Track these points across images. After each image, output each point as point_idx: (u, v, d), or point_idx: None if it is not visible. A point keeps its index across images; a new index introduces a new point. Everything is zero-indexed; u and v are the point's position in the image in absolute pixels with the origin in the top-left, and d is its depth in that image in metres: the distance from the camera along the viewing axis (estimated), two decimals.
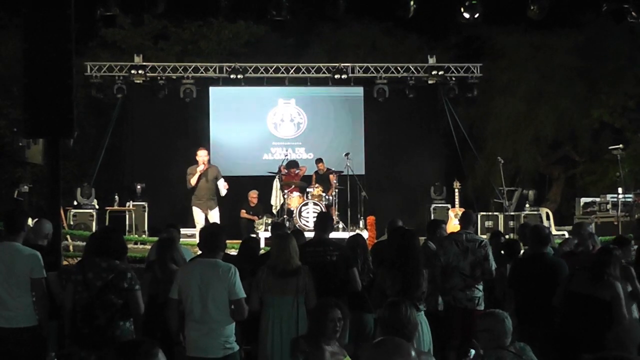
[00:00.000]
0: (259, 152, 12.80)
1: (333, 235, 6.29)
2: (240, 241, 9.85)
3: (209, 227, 4.94)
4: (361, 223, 10.70)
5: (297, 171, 11.01)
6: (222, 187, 9.39)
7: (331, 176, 10.86)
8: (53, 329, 4.45)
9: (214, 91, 12.79)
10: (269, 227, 9.70)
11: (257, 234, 10.27)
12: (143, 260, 7.04)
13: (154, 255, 5.21)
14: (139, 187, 11.52)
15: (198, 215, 9.40)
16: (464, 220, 5.63)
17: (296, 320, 4.21)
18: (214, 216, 9.39)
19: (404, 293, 4.06)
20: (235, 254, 5.48)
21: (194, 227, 9.62)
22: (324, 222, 5.21)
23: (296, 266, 4.34)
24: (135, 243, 10.04)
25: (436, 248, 5.54)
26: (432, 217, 10.99)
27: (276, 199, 10.87)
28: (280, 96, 12.98)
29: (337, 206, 10.54)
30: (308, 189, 10.48)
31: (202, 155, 9.37)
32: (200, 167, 9.28)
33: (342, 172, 10.73)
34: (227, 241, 4.55)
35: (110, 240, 3.97)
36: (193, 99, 12.47)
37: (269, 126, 12.90)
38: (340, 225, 10.34)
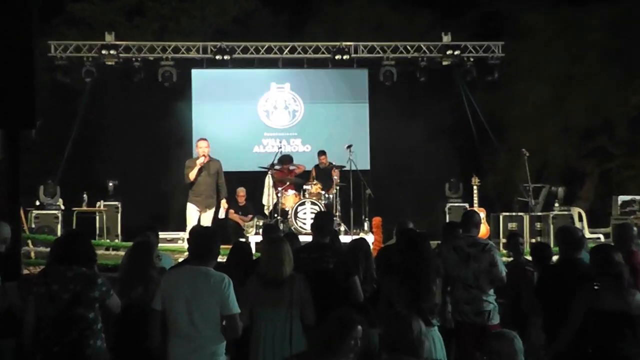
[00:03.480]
0: (249, 144, 12.80)
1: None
2: (228, 246, 9.93)
3: (201, 229, 4.90)
4: (366, 225, 10.65)
5: (291, 167, 10.96)
6: (222, 209, 9.49)
7: (333, 172, 10.83)
8: (9, 348, 4.43)
9: (197, 74, 12.79)
10: (260, 230, 9.69)
11: (246, 237, 10.24)
12: (116, 268, 7.07)
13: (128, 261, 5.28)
14: (111, 184, 11.47)
15: (192, 214, 9.33)
16: (464, 222, 5.51)
17: (289, 337, 4.18)
18: (208, 218, 9.39)
19: (414, 305, 4.03)
20: (225, 260, 5.54)
21: (177, 230, 9.86)
22: (322, 224, 5.21)
23: (289, 275, 4.32)
24: (107, 249, 10.07)
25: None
26: (448, 219, 11.01)
27: (268, 198, 10.83)
28: (273, 80, 12.98)
29: (338, 206, 10.48)
30: (305, 186, 10.48)
31: (202, 146, 9.37)
32: (201, 160, 9.26)
33: (344, 167, 10.70)
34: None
35: (78, 246, 3.95)
36: (173, 84, 12.43)
37: (260, 114, 12.90)
38: (342, 227, 10.35)
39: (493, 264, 5.13)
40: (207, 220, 9.42)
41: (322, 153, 11.30)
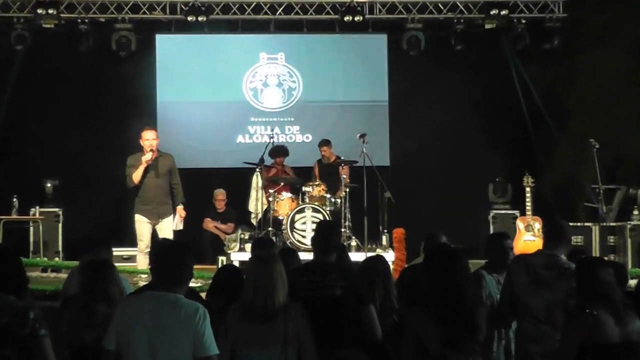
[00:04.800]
0: (231, 132, 12.83)
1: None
2: (204, 266, 9.84)
3: (168, 244, 4.91)
4: (384, 239, 10.57)
5: (284, 162, 11.04)
6: (176, 221, 9.50)
7: (342, 169, 10.83)
8: None
9: (162, 41, 12.77)
10: (246, 245, 9.90)
11: (227, 255, 10.27)
12: (56, 295, 7.03)
13: (74, 286, 5.23)
14: (49, 185, 11.47)
15: (142, 228, 9.36)
16: (550, 235, 5.38)
17: None
18: (167, 228, 9.40)
19: (452, 345, 4.03)
20: (199, 285, 5.43)
21: (135, 245, 9.50)
22: (326, 237, 5.21)
23: (283, 304, 4.30)
24: (44, 270, 9.93)
25: (495, 276, 5.48)
26: (492, 229, 11.04)
27: (257, 203, 10.68)
28: (262, 49, 12.97)
29: (348, 213, 10.40)
30: (305, 188, 10.48)
31: (149, 137, 9.35)
32: (147, 156, 9.27)
33: (356, 162, 10.66)
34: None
35: (3, 267, 3.91)
36: (131, 53, 12.40)
37: (245, 93, 12.87)
38: (353, 242, 10.27)
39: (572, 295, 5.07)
40: (167, 230, 9.43)
41: (325, 143, 11.35)
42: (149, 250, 8.96)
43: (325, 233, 5.28)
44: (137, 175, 9.26)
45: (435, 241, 5.77)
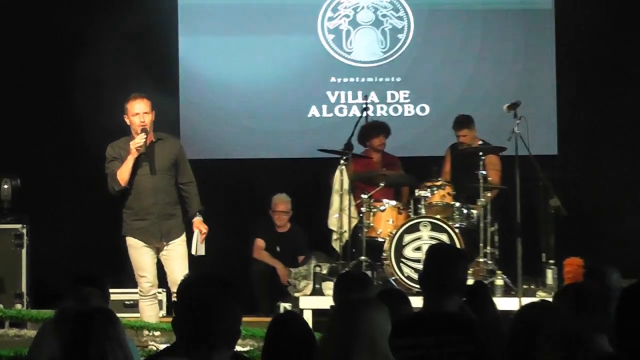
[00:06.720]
0: (297, 101, 12.39)
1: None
2: (254, 318, 10.00)
3: (200, 283, 4.77)
4: (549, 274, 10.21)
5: (385, 148, 10.91)
6: (196, 242, 9.32)
7: (488, 159, 10.39)
8: None
9: None
10: (323, 284, 9.91)
11: (292, 300, 10.25)
12: None
13: (47, 354, 5.22)
14: (5, 186, 11.31)
15: (141, 257, 9.07)
16: None
17: None
18: (178, 257, 9.13)
19: None
20: (252, 350, 6.38)
21: (134, 284, 9.41)
22: (443, 270, 5.32)
23: None
24: (0, 324, 9.81)
25: None
26: None
27: (341, 216, 10.50)
28: None
29: (492, 233, 10.21)
30: (420, 191, 10.27)
31: (138, 109, 9.06)
32: (139, 140, 8.95)
33: (503, 148, 10.33)
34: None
35: None
36: None
37: (322, 40, 12.49)
38: (499, 279, 9.94)
39: None
40: (175, 263, 9.11)
41: (465, 124, 10.91)
42: (155, 292, 9.00)
43: (443, 264, 5.40)
44: (124, 173, 9.02)
45: (603, 279, 6.00)
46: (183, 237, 9.11)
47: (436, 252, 6.07)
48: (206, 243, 9.26)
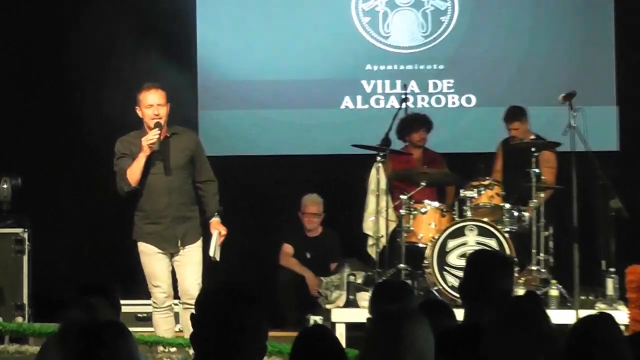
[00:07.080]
0: (330, 91, 12.47)
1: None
2: (281, 333, 10.05)
3: (222, 294, 4.88)
4: (610, 284, 10.19)
5: (422, 140, 11.10)
6: (214, 244, 9.28)
7: (542, 156, 10.35)
8: None
9: None
10: (358, 295, 9.86)
11: (324, 312, 10.18)
12: None
13: None
14: (5, 186, 11.36)
15: (155, 264, 9.03)
16: None
17: None
18: (194, 263, 9.16)
19: None
20: None
21: (147, 295, 9.47)
22: (486, 276, 5.46)
23: None
24: (0, 338, 9.88)
25: None
26: None
27: (377, 219, 10.59)
28: None
29: (546, 238, 10.27)
30: (465, 192, 10.38)
31: (152, 101, 9.08)
32: (152, 136, 8.97)
33: (558, 144, 10.39)
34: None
35: None
36: None
37: (357, 22, 12.60)
38: (554, 290, 9.94)
39: None
40: (191, 270, 9.12)
41: (518, 116, 11.00)
42: (170, 303, 8.96)
43: (485, 270, 5.54)
44: (135, 172, 9.04)
45: None
46: (199, 242, 9.07)
47: (478, 257, 6.18)
48: (227, 248, 9.19)
